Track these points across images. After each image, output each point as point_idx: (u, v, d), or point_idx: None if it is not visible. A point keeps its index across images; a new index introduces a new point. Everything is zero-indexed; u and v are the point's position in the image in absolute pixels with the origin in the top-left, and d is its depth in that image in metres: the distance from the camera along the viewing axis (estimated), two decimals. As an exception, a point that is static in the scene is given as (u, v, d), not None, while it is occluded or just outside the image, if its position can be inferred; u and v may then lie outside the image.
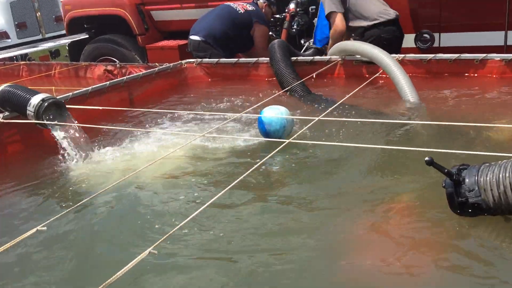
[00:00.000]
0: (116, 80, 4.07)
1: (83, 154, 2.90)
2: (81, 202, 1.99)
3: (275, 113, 2.91)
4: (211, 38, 4.92)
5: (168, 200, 2.34)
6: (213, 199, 1.80)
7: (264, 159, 2.15)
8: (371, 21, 4.27)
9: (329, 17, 4.41)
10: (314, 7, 5.33)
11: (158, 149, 2.88)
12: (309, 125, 2.57)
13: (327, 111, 2.78)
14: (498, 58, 3.60)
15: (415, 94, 3.26)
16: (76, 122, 3.09)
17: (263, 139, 2.86)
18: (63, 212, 1.88)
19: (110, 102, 3.88)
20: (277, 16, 5.44)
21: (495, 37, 4.39)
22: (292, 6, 5.22)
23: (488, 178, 1.84)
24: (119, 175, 2.54)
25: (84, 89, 3.77)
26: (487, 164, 1.90)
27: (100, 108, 3.31)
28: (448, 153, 2.10)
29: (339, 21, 4.34)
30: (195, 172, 2.60)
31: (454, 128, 2.63)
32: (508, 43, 4.36)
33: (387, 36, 4.21)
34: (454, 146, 2.48)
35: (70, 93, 3.59)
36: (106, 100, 3.88)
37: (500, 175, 1.81)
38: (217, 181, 2.49)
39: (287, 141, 2.33)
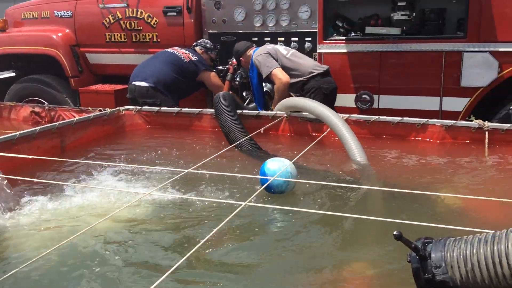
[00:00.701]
0: (47, 125, 3.75)
1: (5, 208, 2.56)
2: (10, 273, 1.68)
3: (279, 166, 2.77)
4: (161, 84, 4.84)
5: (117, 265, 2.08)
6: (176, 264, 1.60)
7: (224, 221, 1.97)
8: (307, 74, 4.48)
9: (270, 77, 4.55)
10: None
11: (94, 206, 2.61)
12: (263, 186, 2.44)
13: (280, 171, 2.68)
14: (439, 124, 3.73)
15: (363, 154, 3.26)
16: (1, 172, 2.76)
17: (207, 199, 2.66)
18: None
19: (40, 149, 3.57)
20: (220, 67, 5.41)
21: (431, 102, 4.58)
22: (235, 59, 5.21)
23: (455, 254, 1.78)
24: (46, 236, 2.25)
25: (11, 134, 3.43)
26: (452, 238, 1.85)
27: (30, 157, 2.99)
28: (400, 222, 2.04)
29: (280, 75, 4.51)
30: (142, 235, 2.36)
31: (403, 194, 2.62)
32: (443, 108, 4.56)
33: (326, 86, 4.41)
34: (406, 213, 2.45)
35: (-5, 139, 3.25)
36: (35, 147, 3.56)
37: (467, 252, 1.76)
38: (170, 242, 2.28)
39: (244, 203, 2.18)
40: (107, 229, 2.36)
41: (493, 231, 1.77)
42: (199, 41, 5.34)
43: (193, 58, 5.10)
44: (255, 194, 2.25)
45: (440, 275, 1.79)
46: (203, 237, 1.87)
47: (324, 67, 4.57)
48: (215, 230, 1.93)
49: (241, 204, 2.16)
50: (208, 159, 2.80)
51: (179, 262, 1.72)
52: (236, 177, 2.87)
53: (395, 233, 1.76)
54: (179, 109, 4.44)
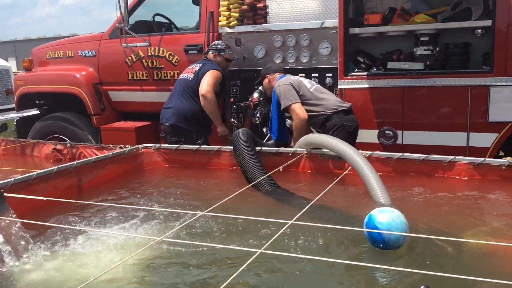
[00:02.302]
0: (65, 165, 3.72)
1: (19, 254, 2.50)
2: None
3: (391, 217, 2.47)
4: (181, 119, 4.92)
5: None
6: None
7: (238, 271, 1.86)
8: (330, 110, 4.41)
9: (288, 110, 4.52)
10: (277, 97, 5.30)
11: (106, 251, 2.52)
12: (281, 230, 2.32)
13: (300, 213, 2.55)
14: (466, 161, 3.56)
15: (386, 196, 3.11)
16: (15, 215, 2.71)
17: (221, 246, 2.54)
18: None
19: (57, 189, 3.53)
20: (241, 104, 5.38)
21: (457, 138, 4.43)
22: (256, 95, 5.18)
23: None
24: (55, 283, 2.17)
25: (28, 174, 3.40)
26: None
27: (44, 198, 2.94)
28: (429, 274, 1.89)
29: (299, 110, 4.48)
30: (153, 283, 2.25)
31: (429, 240, 2.46)
32: (470, 144, 4.40)
33: (350, 124, 4.33)
34: (433, 262, 2.28)
35: (11, 179, 3.22)
36: (52, 187, 3.52)
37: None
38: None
39: (259, 251, 2.06)
40: (119, 276, 2.27)
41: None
42: (209, 46, 5.30)
43: (197, 68, 5.07)
44: (270, 241, 2.13)
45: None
46: (217, 286, 1.76)
47: (347, 105, 4.50)
48: (229, 280, 1.82)
49: (256, 252, 2.04)
50: (222, 201, 2.69)
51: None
52: (252, 220, 2.75)
53: (422, 287, 1.62)
54: (198, 146, 4.39)
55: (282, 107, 4.55)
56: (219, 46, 5.22)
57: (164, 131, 5.09)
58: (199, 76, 5.00)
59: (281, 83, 4.60)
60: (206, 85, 4.92)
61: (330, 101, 4.48)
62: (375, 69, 4.86)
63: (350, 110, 4.50)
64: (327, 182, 3.29)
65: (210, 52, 5.21)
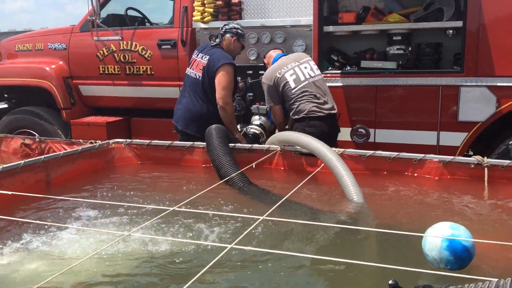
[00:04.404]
0: (32, 159, 3.63)
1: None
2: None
3: (464, 233, 2.18)
4: (189, 125, 4.63)
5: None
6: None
7: (207, 266, 1.83)
8: (300, 114, 4.31)
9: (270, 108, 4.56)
10: (251, 94, 5.29)
11: (72, 247, 2.46)
12: (253, 225, 2.30)
13: (271, 209, 2.54)
14: (436, 160, 3.61)
15: (359, 193, 3.13)
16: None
17: (191, 241, 2.51)
18: None
19: (24, 184, 3.43)
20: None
21: (428, 137, 4.49)
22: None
23: (455, 304, 1.64)
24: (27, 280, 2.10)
25: (-7, 168, 3.30)
26: (453, 287, 1.72)
27: (9, 193, 2.85)
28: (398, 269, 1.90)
29: (276, 112, 4.54)
30: (121, 278, 2.21)
31: (400, 236, 2.48)
32: (440, 143, 4.47)
33: (310, 130, 4.16)
34: (404, 258, 2.30)
35: (-24, 174, 3.12)
36: (19, 182, 3.43)
37: (469, 302, 1.62)
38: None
39: (229, 246, 2.04)
40: (85, 270, 2.21)
41: (496, 280, 1.63)
42: (228, 27, 4.64)
43: (205, 62, 4.56)
44: (241, 236, 2.11)
45: (440, 327, 1.65)
46: (186, 280, 1.73)
47: (323, 113, 4.25)
48: (198, 275, 1.80)
49: (226, 247, 2.02)
50: (193, 196, 2.66)
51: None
52: (223, 216, 2.72)
53: (390, 282, 1.63)
54: (170, 142, 4.33)
55: (266, 103, 4.59)
56: (239, 31, 4.64)
57: (175, 129, 4.82)
58: (209, 74, 4.52)
59: (265, 78, 4.46)
60: (224, 94, 4.45)
61: (306, 106, 4.27)
62: (348, 68, 4.89)
63: (324, 117, 4.27)
64: (300, 179, 3.29)
65: (229, 35, 4.62)
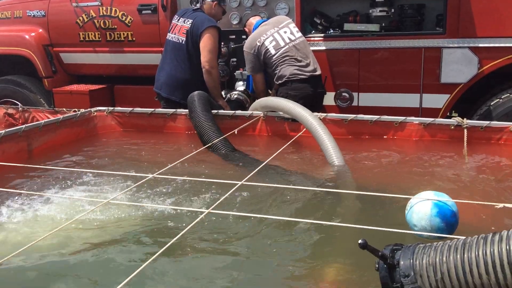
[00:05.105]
0: (13, 129, 3.61)
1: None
2: None
3: (449, 199, 2.18)
4: (173, 91, 4.54)
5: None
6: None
7: (184, 230, 1.87)
8: (283, 79, 4.28)
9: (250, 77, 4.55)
10: (235, 59, 5.23)
11: (54, 214, 2.48)
12: (231, 190, 2.32)
13: (250, 174, 2.56)
14: (417, 122, 3.64)
15: (340, 157, 3.16)
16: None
17: (170, 207, 2.53)
18: None
19: (5, 153, 3.43)
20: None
21: (411, 99, 4.51)
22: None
23: (424, 262, 1.69)
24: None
25: (-27, 138, 3.28)
26: (422, 245, 1.76)
27: (-11, 163, 2.85)
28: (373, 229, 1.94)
29: (258, 81, 4.52)
30: (101, 244, 2.24)
31: (382, 199, 2.52)
32: (423, 105, 4.49)
33: (294, 93, 4.17)
34: (382, 219, 2.35)
35: (-46, 144, 3.10)
36: (0, 152, 3.42)
37: (437, 260, 1.66)
38: (130, 255, 2.16)
39: (207, 211, 2.07)
40: (67, 236, 2.24)
41: (463, 238, 1.67)
42: None
43: (188, 26, 4.46)
44: (219, 201, 2.14)
45: (409, 285, 1.69)
46: (164, 245, 1.76)
47: (305, 75, 4.24)
48: (175, 238, 1.83)
49: (203, 212, 2.05)
50: (174, 163, 2.68)
51: (133, 275, 1.60)
52: (203, 182, 2.74)
53: (360, 241, 1.66)
54: (152, 110, 4.31)
55: (247, 73, 4.55)
56: None
57: (158, 97, 4.76)
58: (193, 37, 4.43)
59: (246, 47, 4.44)
60: (210, 58, 4.38)
61: (287, 70, 4.26)
62: (331, 31, 4.84)
63: (310, 78, 4.25)
64: (282, 145, 3.31)
65: (210, 0, 4.59)
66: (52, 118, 4.24)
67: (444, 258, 1.65)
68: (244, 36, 4.97)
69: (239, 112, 4.22)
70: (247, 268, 2.12)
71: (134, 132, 4.25)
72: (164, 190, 2.78)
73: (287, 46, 4.31)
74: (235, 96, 4.97)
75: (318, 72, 4.36)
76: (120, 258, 2.09)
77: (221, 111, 4.20)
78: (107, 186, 2.85)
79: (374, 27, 4.68)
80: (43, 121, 3.91)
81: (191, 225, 1.91)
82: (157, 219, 2.44)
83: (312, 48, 4.60)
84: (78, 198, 2.55)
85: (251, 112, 4.15)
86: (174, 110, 4.28)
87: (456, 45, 4.28)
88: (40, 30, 5.85)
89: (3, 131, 3.53)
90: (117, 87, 5.83)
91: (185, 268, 2.07)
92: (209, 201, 2.58)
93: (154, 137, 4.12)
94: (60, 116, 4.03)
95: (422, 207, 2.14)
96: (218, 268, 2.07)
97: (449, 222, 2.14)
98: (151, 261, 1.66)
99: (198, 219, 1.97)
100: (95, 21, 5.59)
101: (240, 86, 5.11)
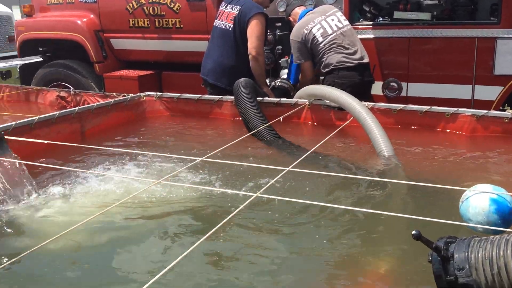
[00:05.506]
0: (66, 110, 3.74)
1: (22, 196, 2.55)
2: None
3: (507, 195, 2.07)
4: (220, 78, 4.54)
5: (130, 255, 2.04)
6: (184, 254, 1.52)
7: (233, 213, 1.89)
8: (329, 67, 4.24)
9: (299, 65, 4.49)
10: (280, 47, 5.22)
11: (106, 194, 2.57)
12: (278, 176, 2.34)
13: (298, 160, 2.56)
14: (469, 113, 3.54)
15: (390, 148, 3.10)
16: (18, 157, 2.74)
17: (219, 189, 2.57)
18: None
19: (59, 134, 3.55)
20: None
21: (462, 91, 4.38)
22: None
23: (480, 256, 1.65)
24: (63, 224, 2.22)
25: (30, 118, 3.41)
26: (477, 238, 1.72)
27: (46, 142, 2.96)
28: (425, 220, 1.91)
29: (306, 69, 4.45)
30: (153, 223, 2.31)
31: (433, 191, 2.47)
32: (475, 97, 4.36)
33: (341, 81, 4.12)
34: (433, 211, 2.31)
35: (13, 123, 3.23)
36: (55, 132, 3.55)
37: (493, 253, 1.63)
38: (180, 234, 2.22)
39: (255, 194, 2.09)
40: (119, 213, 2.32)
41: (521, 232, 1.63)
42: None
43: (236, 13, 4.44)
44: (267, 185, 2.16)
45: (463, 278, 1.67)
46: (211, 229, 1.79)
47: (353, 62, 4.16)
48: (224, 221, 1.86)
49: (252, 196, 2.07)
50: (222, 147, 2.70)
51: (183, 255, 1.63)
52: (250, 167, 2.76)
53: (413, 232, 1.64)
54: (199, 96, 4.37)
55: (294, 62, 4.50)
56: None
57: (204, 84, 4.81)
58: (241, 24, 4.42)
59: (293, 35, 4.42)
60: (257, 44, 4.35)
61: (334, 58, 4.21)
62: (381, 19, 4.75)
63: (358, 66, 4.18)
64: (328, 133, 3.29)
65: None
66: (102, 101, 4.38)
67: (501, 252, 1.61)
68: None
69: (284, 99, 4.21)
70: (294, 253, 2.13)
71: (181, 117, 4.32)
72: (211, 174, 2.83)
73: (335, 34, 4.26)
74: (279, 83, 4.96)
75: (366, 60, 4.29)
76: (172, 235, 2.15)
77: (266, 98, 4.20)
78: (157, 168, 2.92)
79: (425, 16, 4.56)
80: (95, 103, 4.04)
81: (241, 207, 1.94)
82: (206, 201, 2.48)
83: (360, 36, 4.53)
84: (132, 178, 2.63)
85: (296, 100, 4.13)
86: (220, 96, 4.32)
87: (511, 36, 4.12)
88: (92, 16, 6.01)
89: (58, 112, 3.66)
90: (165, 73, 5.94)
91: (234, 249, 2.11)
92: (256, 185, 2.60)
93: (200, 123, 4.18)
94: (111, 100, 4.14)
95: (479, 202, 2.04)
96: (266, 251, 2.10)
97: (506, 220, 2.04)
98: (203, 240, 1.69)
99: (247, 202, 2.00)
100: (145, 7, 5.68)
101: (285, 74, 5.10)
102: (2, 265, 1.54)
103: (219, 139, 3.72)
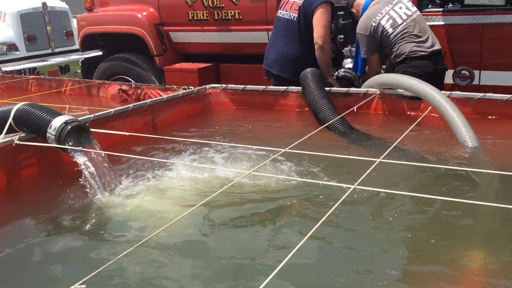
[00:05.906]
0: (139, 103, 3.79)
1: (109, 185, 2.59)
2: (124, 253, 1.63)
3: None
4: (284, 69, 4.52)
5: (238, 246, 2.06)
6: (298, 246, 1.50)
7: (333, 207, 1.85)
8: (400, 57, 4.09)
9: (366, 59, 4.38)
10: (342, 36, 5.12)
11: (193, 185, 2.57)
12: (371, 167, 2.27)
13: (387, 151, 2.48)
14: (557, 102, 3.36)
15: (474, 138, 2.97)
16: (100, 147, 2.79)
17: (312, 181, 2.53)
18: (104, 266, 1.53)
19: (133, 126, 3.60)
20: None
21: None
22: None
23: None
24: (153, 213, 2.23)
25: (106, 111, 3.47)
26: None
27: (127, 134, 3.00)
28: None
29: (373, 62, 4.32)
30: (251, 214, 2.30)
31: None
32: (555, 85, 4.14)
33: (413, 71, 3.95)
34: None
35: (92, 115, 3.30)
36: (129, 124, 3.60)
37: None
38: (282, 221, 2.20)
39: (352, 186, 2.03)
40: (209, 209, 2.32)
41: None
42: None
43: (301, 2, 4.39)
44: (362, 177, 2.09)
45: None
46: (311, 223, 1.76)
47: (425, 51, 4.01)
48: (326, 215, 1.81)
49: (350, 187, 2.01)
50: (303, 138, 2.64)
51: (287, 257, 1.59)
52: (335, 158, 2.70)
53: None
54: (264, 87, 4.33)
55: (362, 56, 4.38)
56: None
57: (267, 75, 4.79)
58: (306, 13, 4.36)
59: (360, 29, 4.27)
60: (323, 33, 4.29)
61: (406, 47, 4.06)
62: (451, 5, 4.57)
63: (431, 55, 4.02)
64: (401, 124, 3.21)
65: None
66: (163, 95, 4.41)
67: None
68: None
69: (353, 89, 4.12)
70: (387, 242, 2.08)
71: (247, 109, 4.30)
72: (297, 165, 2.79)
73: (405, 23, 4.12)
74: (343, 73, 4.87)
75: (438, 47, 4.12)
76: (268, 229, 2.14)
77: (334, 88, 4.13)
78: (240, 159, 2.92)
79: (499, 1, 4.34)
80: (165, 96, 4.07)
81: (342, 199, 1.89)
82: (299, 193, 2.45)
83: (429, 23, 4.36)
84: (224, 169, 2.63)
85: (366, 89, 4.03)
86: (285, 87, 4.27)
87: None
88: (151, 10, 6.07)
89: (131, 104, 3.71)
90: (223, 65, 5.94)
91: (339, 244, 2.08)
92: (345, 176, 2.55)
93: (267, 115, 4.14)
94: (179, 92, 4.17)
95: None
96: (365, 240, 2.07)
97: None
98: (311, 234, 1.65)
99: (347, 193, 1.95)
100: (204, 0, 5.69)
101: (348, 63, 4.99)
102: (118, 257, 1.55)
103: (289, 130, 3.68)
